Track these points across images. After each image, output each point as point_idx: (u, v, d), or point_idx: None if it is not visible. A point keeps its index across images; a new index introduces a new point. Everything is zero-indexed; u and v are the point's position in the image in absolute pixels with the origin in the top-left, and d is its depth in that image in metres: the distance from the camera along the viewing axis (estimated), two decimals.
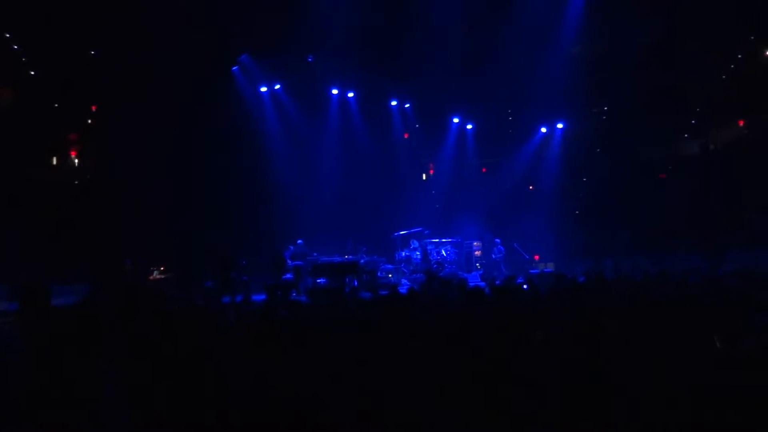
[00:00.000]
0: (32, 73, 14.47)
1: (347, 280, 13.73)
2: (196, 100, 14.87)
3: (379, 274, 15.27)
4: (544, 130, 19.76)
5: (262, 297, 9.94)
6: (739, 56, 17.63)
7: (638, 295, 5.99)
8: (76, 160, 16.27)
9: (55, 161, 16.15)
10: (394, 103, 19.07)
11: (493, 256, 16.95)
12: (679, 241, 16.51)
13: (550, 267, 17.03)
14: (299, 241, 14.70)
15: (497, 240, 16.92)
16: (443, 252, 16.86)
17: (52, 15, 13.14)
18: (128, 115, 14.25)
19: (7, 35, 13.94)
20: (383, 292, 7.04)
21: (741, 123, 18.63)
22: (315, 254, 14.93)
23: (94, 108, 15.68)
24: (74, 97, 14.87)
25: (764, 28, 16.41)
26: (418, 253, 16.59)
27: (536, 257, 17.79)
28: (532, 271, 15.26)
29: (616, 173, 19.12)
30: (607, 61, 17.07)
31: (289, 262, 14.25)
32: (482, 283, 12.56)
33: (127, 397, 3.06)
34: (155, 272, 14.78)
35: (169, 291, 12.12)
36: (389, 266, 16.19)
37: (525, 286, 7.46)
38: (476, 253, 17.97)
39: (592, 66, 17.13)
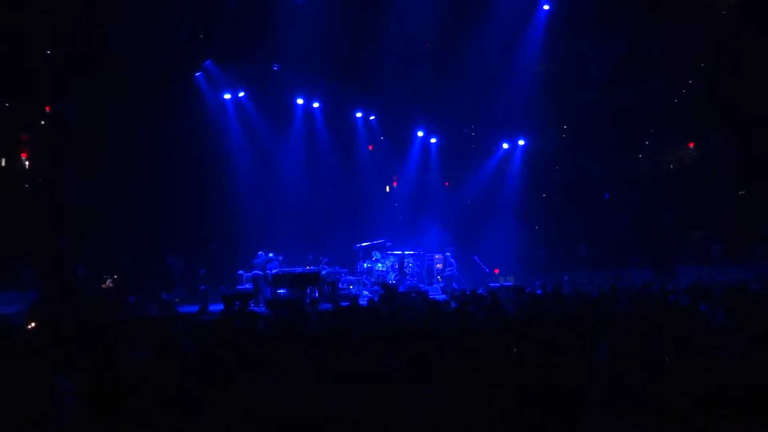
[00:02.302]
0: None
1: (308, 291, 13.58)
2: (157, 105, 14.53)
3: (340, 285, 15.16)
4: (506, 146, 20.15)
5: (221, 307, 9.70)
6: (690, 81, 18.45)
7: (593, 310, 6.14)
8: (27, 162, 15.62)
9: (4, 163, 15.47)
10: (359, 114, 19.09)
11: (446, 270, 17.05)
12: (632, 257, 17.06)
13: (510, 281, 17.25)
14: (259, 253, 14.47)
15: (448, 253, 17.02)
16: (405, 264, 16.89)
17: (7, 12, 12.66)
18: (84, 117, 13.81)
19: None
20: (344, 304, 7.00)
21: (691, 145, 19.48)
22: (275, 264, 14.69)
23: (47, 108, 15.12)
24: (26, 97, 14.30)
25: (714, 58, 17.24)
26: (380, 264, 16.56)
27: (496, 271, 18.01)
28: (492, 284, 15.45)
29: (574, 190, 19.65)
30: (567, 81, 17.65)
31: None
32: (443, 296, 12.67)
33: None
34: (108, 280, 14.29)
35: (122, 299, 11.73)
36: (351, 278, 16.11)
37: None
38: (437, 266, 18.07)
39: (553, 85, 17.67)
